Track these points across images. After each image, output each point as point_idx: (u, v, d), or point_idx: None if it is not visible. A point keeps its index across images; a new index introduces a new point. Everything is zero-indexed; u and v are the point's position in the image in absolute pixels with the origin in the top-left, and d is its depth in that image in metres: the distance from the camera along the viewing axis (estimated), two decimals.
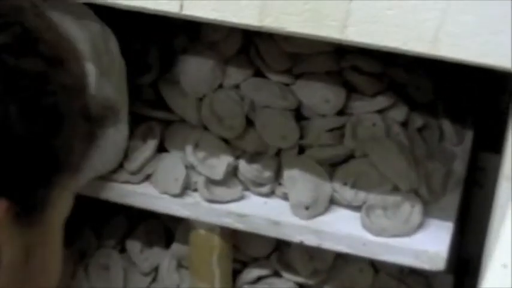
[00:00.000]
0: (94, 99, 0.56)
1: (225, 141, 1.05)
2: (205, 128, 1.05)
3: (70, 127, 0.53)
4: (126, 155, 1.05)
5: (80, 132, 0.54)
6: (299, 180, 1.00)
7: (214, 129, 1.04)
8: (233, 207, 1.02)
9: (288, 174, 1.02)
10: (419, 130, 1.06)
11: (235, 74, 1.04)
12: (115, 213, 1.23)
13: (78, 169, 0.55)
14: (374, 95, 1.04)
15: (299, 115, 1.04)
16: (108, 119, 0.57)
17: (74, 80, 0.54)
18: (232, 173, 1.05)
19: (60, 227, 0.57)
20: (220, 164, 1.03)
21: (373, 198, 0.99)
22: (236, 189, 1.04)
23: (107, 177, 1.05)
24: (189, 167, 1.04)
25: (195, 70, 1.04)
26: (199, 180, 1.03)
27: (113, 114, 0.58)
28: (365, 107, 1.03)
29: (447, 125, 1.09)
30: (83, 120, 0.54)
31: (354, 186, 1.00)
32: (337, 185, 1.00)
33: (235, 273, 1.15)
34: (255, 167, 1.03)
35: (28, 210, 0.52)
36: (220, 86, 1.05)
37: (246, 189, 1.05)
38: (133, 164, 1.05)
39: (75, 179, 0.55)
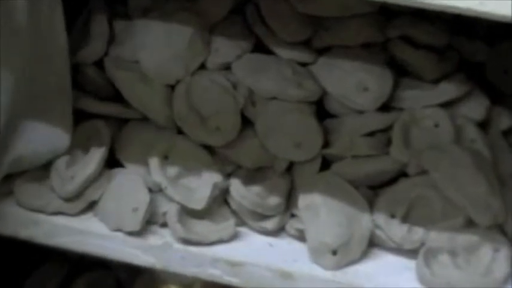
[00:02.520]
0: None
1: (210, 150, 1.05)
2: (180, 131, 1.05)
3: None
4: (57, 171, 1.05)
5: None
6: (322, 210, 1.00)
7: (192, 132, 1.04)
8: (222, 251, 1.02)
9: (306, 200, 1.01)
10: (506, 134, 1.06)
11: (225, 48, 1.05)
12: (43, 261, 1.23)
13: None
14: (436, 80, 1.04)
15: (322, 111, 1.05)
16: None
17: None
18: (221, 199, 1.05)
19: None
20: (202, 185, 1.03)
21: (436, 237, 0.99)
22: (226, 224, 1.03)
23: (28, 205, 1.05)
24: (155, 191, 1.04)
25: (163, 43, 1.04)
26: (171, 211, 1.03)
27: None
28: (422, 99, 1.03)
29: None
30: None
31: (406, 219, 1.00)
32: (380, 218, 1.01)
33: None
34: (255, 190, 1.03)
35: None
36: (202, 67, 1.05)
37: (242, 223, 1.05)
38: (69, 186, 1.04)
39: None
